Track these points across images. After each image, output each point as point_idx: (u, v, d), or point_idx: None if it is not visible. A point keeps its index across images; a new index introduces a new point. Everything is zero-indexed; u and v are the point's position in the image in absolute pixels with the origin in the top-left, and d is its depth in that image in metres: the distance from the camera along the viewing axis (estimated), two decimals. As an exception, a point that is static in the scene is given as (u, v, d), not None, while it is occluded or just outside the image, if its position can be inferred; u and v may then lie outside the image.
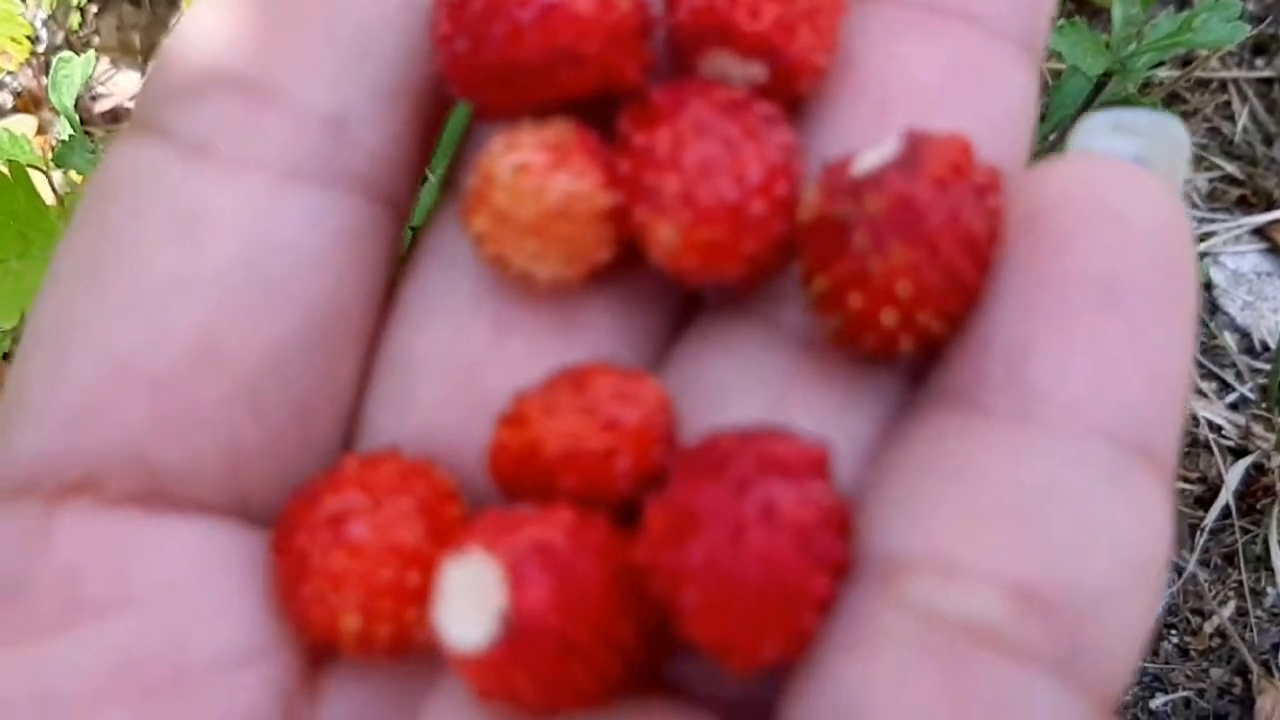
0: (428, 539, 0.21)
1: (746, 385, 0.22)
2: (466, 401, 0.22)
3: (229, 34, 0.22)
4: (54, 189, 0.68)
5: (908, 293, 0.19)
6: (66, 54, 0.63)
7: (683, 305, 0.23)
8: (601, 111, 0.22)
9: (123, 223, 0.21)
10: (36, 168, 0.66)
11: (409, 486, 0.21)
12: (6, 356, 0.62)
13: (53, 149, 0.64)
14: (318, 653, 0.22)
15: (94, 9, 0.91)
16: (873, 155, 0.20)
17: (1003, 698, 0.17)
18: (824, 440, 0.20)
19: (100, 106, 0.87)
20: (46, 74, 0.71)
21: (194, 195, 0.21)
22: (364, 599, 0.21)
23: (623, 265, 0.22)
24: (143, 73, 0.89)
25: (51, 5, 0.89)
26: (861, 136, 0.22)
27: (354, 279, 0.22)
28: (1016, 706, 0.17)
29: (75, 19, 0.90)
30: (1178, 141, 0.22)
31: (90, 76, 0.67)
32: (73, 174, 0.67)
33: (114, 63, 0.89)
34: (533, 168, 0.21)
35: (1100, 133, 0.22)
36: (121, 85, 0.89)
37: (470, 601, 0.19)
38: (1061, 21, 0.63)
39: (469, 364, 0.22)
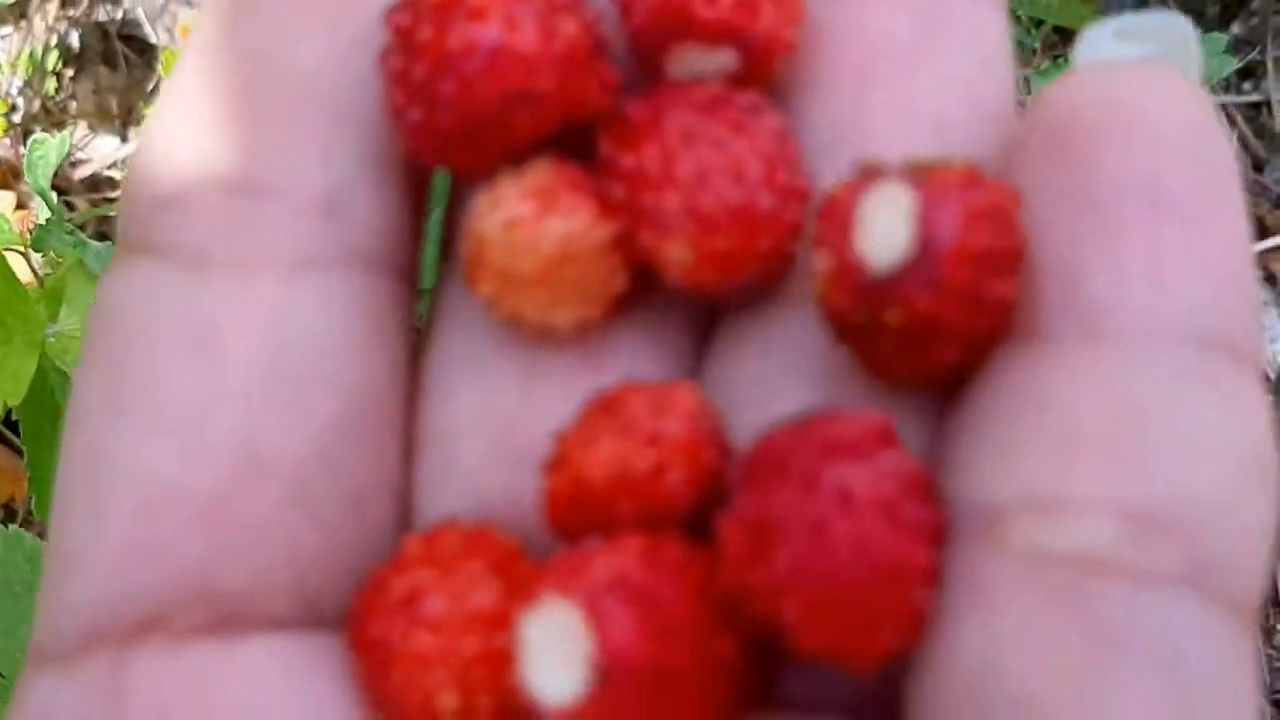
0: (506, 598, 0.20)
1: (791, 376, 0.21)
2: (510, 459, 0.22)
3: (201, 136, 0.21)
4: (33, 269, 0.67)
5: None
6: (41, 135, 0.63)
7: (706, 311, 0.23)
8: (581, 137, 0.22)
9: (135, 351, 0.21)
10: (15, 249, 0.65)
11: (475, 551, 0.20)
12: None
13: (31, 231, 0.63)
14: None
15: (70, 73, 0.90)
16: (881, 232, 0.19)
17: (1138, 620, 0.16)
18: (880, 412, 0.19)
19: (79, 173, 0.86)
20: (24, 143, 0.71)
21: (203, 308, 0.20)
22: (457, 673, 0.20)
23: (639, 287, 0.22)
24: (121, 137, 0.89)
25: (27, 72, 0.88)
26: (847, 107, 0.21)
27: (380, 357, 0.22)
28: (1153, 626, 0.16)
29: (51, 84, 0.89)
30: (1186, 38, 0.21)
31: (68, 151, 0.66)
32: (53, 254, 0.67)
33: (92, 128, 0.89)
34: (522, 220, 0.21)
35: (1104, 43, 0.22)
36: (100, 150, 0.88)
37: (555, 653, 0.18)
38: (1045, 64, 0.63)
39: (504, 421, 0.22)
